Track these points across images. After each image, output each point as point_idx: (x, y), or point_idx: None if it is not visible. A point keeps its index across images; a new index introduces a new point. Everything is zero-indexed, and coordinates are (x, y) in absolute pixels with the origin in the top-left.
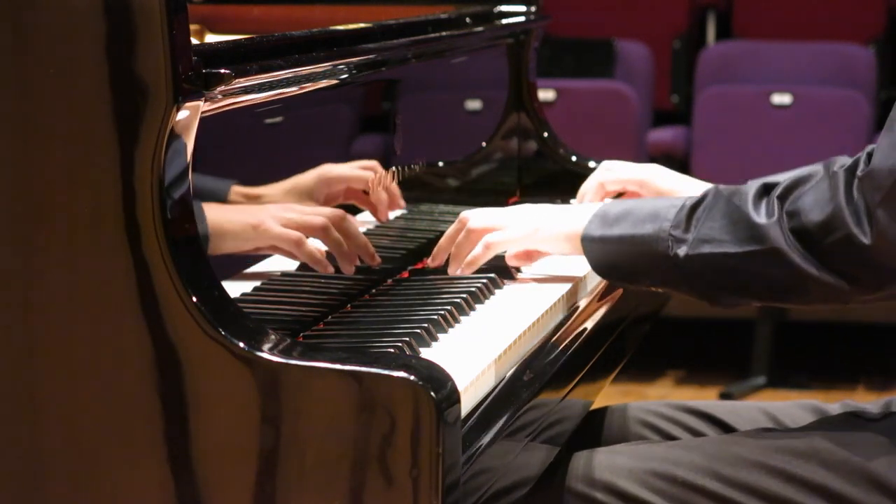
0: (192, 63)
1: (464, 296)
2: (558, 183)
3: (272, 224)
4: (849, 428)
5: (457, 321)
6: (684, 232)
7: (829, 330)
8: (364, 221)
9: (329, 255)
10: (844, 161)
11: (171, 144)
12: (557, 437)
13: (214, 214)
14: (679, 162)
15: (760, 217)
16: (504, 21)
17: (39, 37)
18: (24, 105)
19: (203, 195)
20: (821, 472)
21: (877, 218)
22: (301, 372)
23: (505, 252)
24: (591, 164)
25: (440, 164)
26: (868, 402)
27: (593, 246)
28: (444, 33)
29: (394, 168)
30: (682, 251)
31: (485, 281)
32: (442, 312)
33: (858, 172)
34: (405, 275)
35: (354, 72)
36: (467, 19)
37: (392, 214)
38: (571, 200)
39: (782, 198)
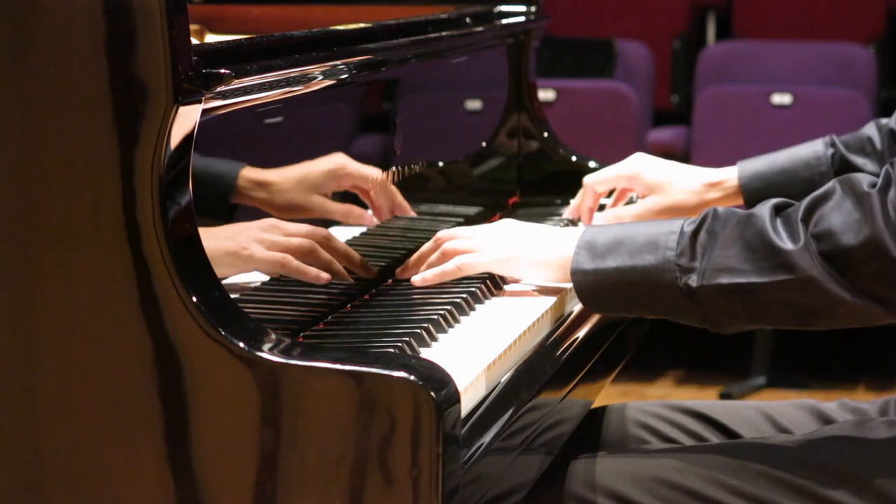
0: (192, 63)
1: (464, 296)
2: (558, 183)
3: (255, 248)
4: (855, 437)
5: (457, 321)
6: (690, 260)
7: (830, 330)
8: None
9: None
10: (862, 178)
11: (170, 144)
12: (557, 438)
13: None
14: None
15: (785, 242)
16: (504, 21)
17: (39, 37)
18: (24, 105)
19: (203, 195)
20: (827, 483)
21: None
22: (301, 372)
23: None
24: (592, 164)
25: (440, 164)
26: (866, 401)
27: (586, 278)
28: (444, 33)
29: (394, 168)
30: (692, 282)
31: (485, 281)
32: (442, 312)
33: (891, 194)
34: None
35: (354, 72)
36: (467, 19)
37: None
38: (571, 200)
39: (805, 220)
